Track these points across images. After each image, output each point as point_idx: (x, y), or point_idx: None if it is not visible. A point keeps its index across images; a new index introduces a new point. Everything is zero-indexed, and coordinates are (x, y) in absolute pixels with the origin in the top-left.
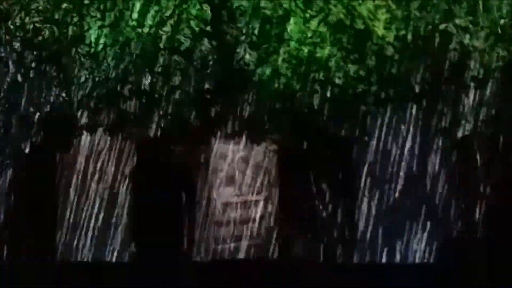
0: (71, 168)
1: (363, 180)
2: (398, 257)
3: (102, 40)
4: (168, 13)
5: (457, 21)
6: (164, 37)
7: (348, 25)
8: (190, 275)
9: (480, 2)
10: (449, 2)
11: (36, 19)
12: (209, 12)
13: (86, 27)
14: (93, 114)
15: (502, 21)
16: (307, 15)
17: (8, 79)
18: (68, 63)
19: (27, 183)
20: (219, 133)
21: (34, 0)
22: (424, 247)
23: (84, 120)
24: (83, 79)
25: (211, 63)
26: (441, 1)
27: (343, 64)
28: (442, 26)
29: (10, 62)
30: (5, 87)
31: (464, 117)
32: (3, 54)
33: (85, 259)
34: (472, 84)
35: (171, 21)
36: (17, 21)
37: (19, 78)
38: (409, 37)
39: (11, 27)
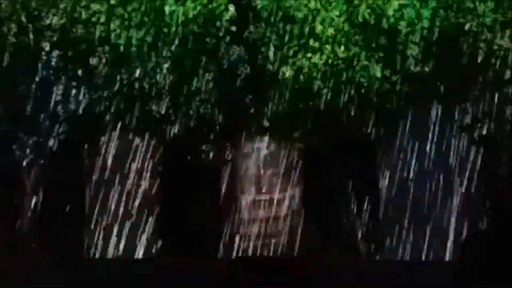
0: (98, 166)
1: (387, 178)
2: (422, 254)
3: (128, 40)
4: (194, 14)
5: (482, 20)
6: (190, 37)
7: (373, 24)
8: (215, 271)
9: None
10: (475, 1)
11: (64, 19)
12: (234, 12)
13: (112, 27)
14: (120, 113)
15: None
16: (332, 14)
17: (36, 79)
18: (95, 63)
19: (55, 180)
20: (244, 132)
21: (62, 0)
22: (448, 244)
23: (111, 119)
24: (110, 78)
25: (236, 62)
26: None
27: (367, 63)
28: (467, 25)
29: (38, 62)
30: (33, 86)
31: (488, 115)
32: (32, 54)
33: (112, 255)
34: (496, 82)
35: (197, 22)
36: (45, 21)
37: (47, 77)
38: (434, 36)
39: (39, 27)
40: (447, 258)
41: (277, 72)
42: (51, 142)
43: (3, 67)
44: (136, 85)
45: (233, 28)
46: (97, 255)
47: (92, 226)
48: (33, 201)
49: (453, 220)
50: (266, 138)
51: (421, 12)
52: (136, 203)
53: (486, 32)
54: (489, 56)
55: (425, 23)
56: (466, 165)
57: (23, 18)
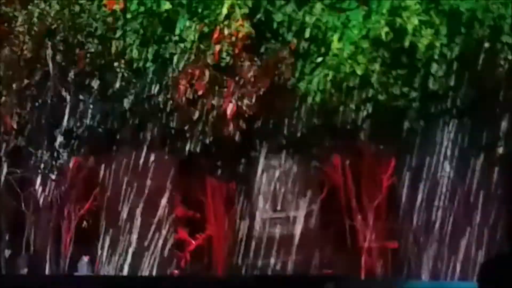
0: (113, 181)
1: (404, 197)
2: (440, 274)
3: (144, 55)
4: (210, 29)
5: (504, 38)
6: (206, 53)
7: (391, 41)
8: None
9: None
10: (495, 19)
11: (80, 34)
12: (251, 28)
13: (128, 42)
14: (135, 129)
15: None
16: (350, 31)
17: (52, 93)
18: (111, 78)
19: (69, 195)
20: (260, 149)
21: (78, 16)
22: (466, 265)
23: (126, 134)
24: (125, 93)
25: (252, 79)
26: (486, 17)
27: (385, 80)
28: (487, 44)
29: (54, 77)
30: (48, 101)
31: (506, 134)
32: (47, 69)
33: (126, 272)
34: None
35: (213, 37)
36: (61, 36)
37: (63, 92)
38: (454, 53)
39: (55, 42)
40: (467, 279)
41: (294, 88)
42: (64, 157)
43: (19, 82)
44: (150, 100)
45: (250, 43)
46: (111, 271)
47: (106, 242)
48: (47, 216)
49: (472, 240)
50: (283, 155)
51: (440, 29)
52: (149, 218)
53: (507, 50)
54: (509, 74)
55: (444, 41)
56: (485, 184)
57: (40, 34)
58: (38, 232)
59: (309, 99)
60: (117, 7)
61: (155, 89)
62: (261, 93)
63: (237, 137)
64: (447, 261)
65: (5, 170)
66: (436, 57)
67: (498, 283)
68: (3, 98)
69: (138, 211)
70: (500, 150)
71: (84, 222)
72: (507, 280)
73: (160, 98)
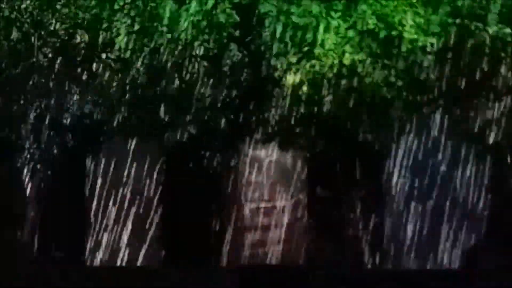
0: (101, 172)
1: (392, 186)
2: (429, 263)
3: (131, 46)
4: (197, 19)
5: (489, 28)
6: (193, 43)
7: (378, 31)
8: (217, 280)
9: None
10: (481, 8)
11: (67, 25)
12: (237, 18)
13: (116, 33)
14: (123, 119)
15: None
16: (336, 21)
17: (40, 84)
18: (99, 68)
19: (57, 187)
20: (247, 139)
21: (65, 6)
22: (456, 252)
23: (114, 124)
24: (113, 84)
25: (239, 69)
26: (474, 7)
27: (372, 70)
28: (476, 32)
29: (41, 67)
30: (36, 92)
31: (495, 123)
32: (35, 60)
33: (114, 263)
34: (503, 90)
35: (200, 27)
36: (49, 27)
37: (50, 83)
38: (440, 42)
39: (43, 32)
40: (453, 266)
41: (280, 78)
42: (53, 149)
43: (4, 73)
44: (138, 90)
45: (236, 34)
46: (99, 264)
47: (94, 234)
48: (35, 209)
49: (459, 229)
50: (270, 145)
51: (427, 18)
52: (138, 210)
53: (496, 40)
54: (497, 63)
55: (432, 29)
56: (473, 174)
57: (26, 24)
58: (27, 224)
59: (296, 89)
60: None
61: (143, 79)
62: (248, 83)
63: (224, 127)
64: (433, 249)
65: None
66: (423, 46)
67: (489, 269)
68: None
69: (126, 202)
70: (487, 139)
71: (72, 214)
72: (490, 266)
73: (148, 88)
